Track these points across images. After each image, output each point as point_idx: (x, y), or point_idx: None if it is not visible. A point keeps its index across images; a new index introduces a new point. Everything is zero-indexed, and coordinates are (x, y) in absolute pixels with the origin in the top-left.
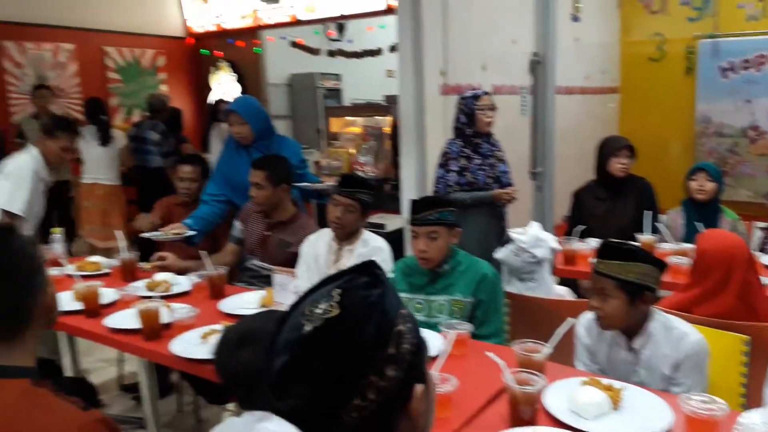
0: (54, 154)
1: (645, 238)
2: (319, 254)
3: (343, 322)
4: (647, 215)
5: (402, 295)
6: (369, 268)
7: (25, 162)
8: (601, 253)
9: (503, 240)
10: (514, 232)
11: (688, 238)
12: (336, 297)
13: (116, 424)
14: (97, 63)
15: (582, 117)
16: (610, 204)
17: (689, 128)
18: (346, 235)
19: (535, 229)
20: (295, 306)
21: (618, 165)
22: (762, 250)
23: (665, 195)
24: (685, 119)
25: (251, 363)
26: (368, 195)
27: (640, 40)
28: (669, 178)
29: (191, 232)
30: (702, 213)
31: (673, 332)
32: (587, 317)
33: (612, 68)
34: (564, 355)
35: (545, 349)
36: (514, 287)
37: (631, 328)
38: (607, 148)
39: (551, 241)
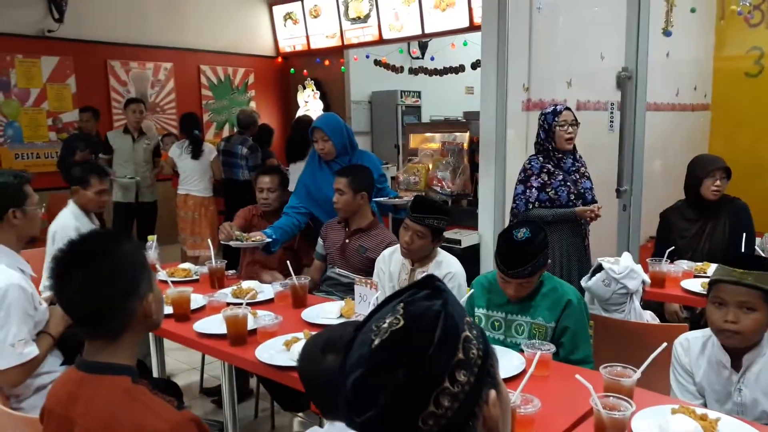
0: (92, 201)
1: None
2: (392, 272)
3: (409, 331)
4: (743, 238)
5: (480, 311)
6: (429, 281)
7: (68, 221)
8: (740, 263)
9: (585, 260)
10: (605, 261)
11: None
12: (400, 310)
13: (206, 426)
14: (193, 80)
15: (670, 134)
16: (702, 226)
17: None
18: (417, 258)
19: (627, 259)
20: (362, 325)
21: (712, 187)
22: None
23: (760, 216)
24: None
25: (334, 371)
26: (439, 220)
27: (737, 55)
28: (764, 198)
29: (267, 240)
30: None
31: None
32: (685, 336)
33: (704, 84)
34: (654, 381)
35: (635, 374)
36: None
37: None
38: (700, 170)
39: (643, 273)
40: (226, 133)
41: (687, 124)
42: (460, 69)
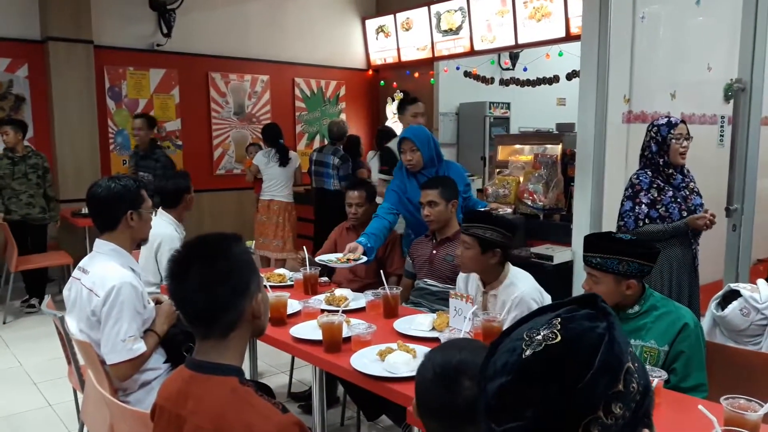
0: (189, 205)
1: None
2: (469, 292)
3: (567, 350)
4: None
5: None
6: (592, 300)
7: (169, 230)
8: None
9: (695, 280)
10: (743, 288)
11: None
12: (557, 325)
13: (309, 429)
14: (288, 92)
15: None
16: None
17: None
18: (485, 276)
19: (767, 287)
20: (508, 332)
21: None
22: None
23: None
24: None
25: (468, 399)
26: (485, 230)
27: None
28: None
29: (364, 258)
30: None
31: None
32: None
33: None
34: None
35: (762, 409)
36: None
37: None
38: None
39: None
40: (317, 143)
41: None
42: (554, 80)
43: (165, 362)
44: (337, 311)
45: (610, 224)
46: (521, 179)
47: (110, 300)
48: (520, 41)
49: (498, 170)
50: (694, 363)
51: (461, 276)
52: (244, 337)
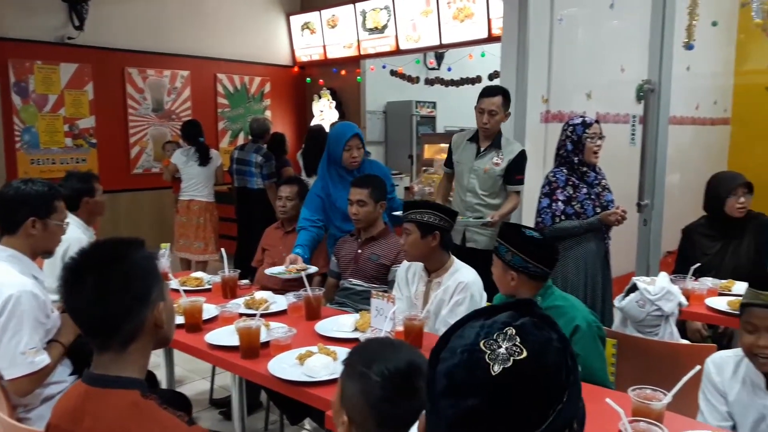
0: (99, 205)
1: None
2: (410, 282)
3: (537, 365)
4: None
5: None
6: (529, 306)
7: (78, 234)
8: (765, 285)
9: (607, 273)
10: (640, 281)
11: None
12: (515, 337)
13: None
14: (209, 89)
15: (691, 148)
16: (725, 243)
17: None
18: (429, 264)
19: (664, 280)
20: (447, 337)
21: (737, 205)
22: None
23: None
24: None
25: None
26: (424, 214)
27: (757, 69)
28: None
29: (313, 269)
30: None
31: None
32: (718, 355)
33: (724, 98)
34: (681, 405)
35: (665, 398)
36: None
37: None
38: (723, 187)
39: (680, 295)
40: (241, 141)
41: (706, 138)
42: (477, 80)
43: (71, 374)
44: (257, 315)
45: (529, 220)
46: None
47: (8, 310)
48: (444, 41)
49: (424, 168)
50: (589, 363)
51: (402, 266)
52: (146, 349)
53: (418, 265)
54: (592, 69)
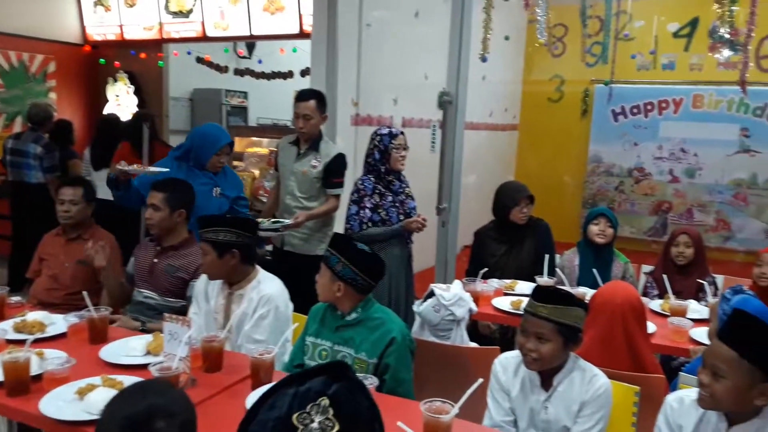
0: None
1: (543, 280)
2: (210, 296)
3: None
4: (546, 258)
5: (309, 339)
6: (342, 370)
7: None
8: (539, 297)
9: (411, 277)
10: (437, 288)
11: (583, 280)
12: (329, 410)
13: None
14: None
15: (484, 152)
16: (510, 246)
17: (581, 167)
18: (230, 279)
19: (457, 287)
20: (255, 410)
21: (519, 215)
22: (645, 294)
23: (557, 229)
24: (579, 158)
25: None
26: (219, 233)
27: (541, 80)
28: (561, 214)
29: (165, 169)
30: (597, 256)
31: (585, 372)
32: (504, 355)
33: (513, 106)
34: (475, 413)
35: (453, 410)
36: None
37: (555, 367)
38: (508, 198)
39: (471, 301)
40: (18, 127)
41: (498, 143)
42: (289, 75)
43: None
44: (27, 343)
45: (339, 225)
46: (257, 174)
47: None
48: (255, 32)
49: (234, 163)
50: (399, 375)
51: (201, 278)
52: None
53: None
54: (399, 75)
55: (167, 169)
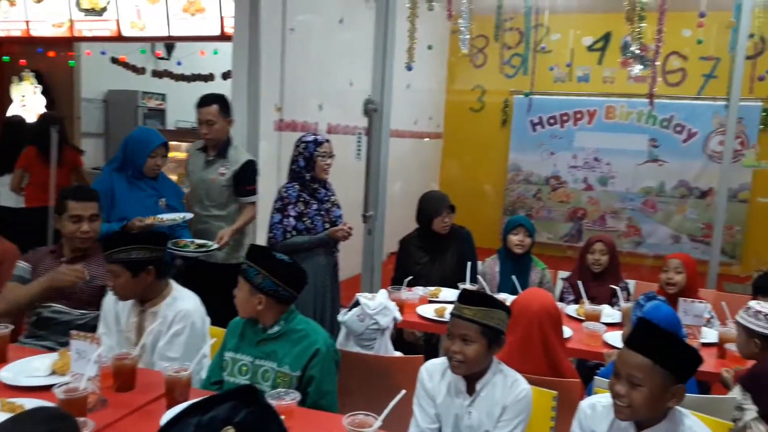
0: None
1: (466, 287)
2: (120, 313)
3: None
4: (468, 265)
5: (228, 354)
6: (251, 394)
7: None
8: (465, 300)
9: (336, 285)
10: (362, 297)
11: (503, 287)
12: None
13: None
14: None
15: (409, 160)
16: (433, 254)
17: (502, 175)
18: (144, 296)
19: (382, 296)
20: None
21: (441, 225)
22: (562, 299)
23: (480, 235)
24: (499, 167)
25: None
26: (131, 251)
27: (464, 90)
28: (483, 221)
29: (188, 215)
30: (516, 263)
31: (507, 378)
32: (431, 362)
33: (437, 115)
34: (400, 424)
35: (376, 422)
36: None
37: (479, 372)
38: (430, 208)
39: (395, 310)
40: None
41: (423, 151)
42: (210, 77)
43: None
44: None
45: (261, 234)
46: (175, 180)
47: None
48: (173, 33)
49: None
50: (324, 386)
51: (110, 295)
52: None
53: None
54: (324, 81)
55: (189, 215)
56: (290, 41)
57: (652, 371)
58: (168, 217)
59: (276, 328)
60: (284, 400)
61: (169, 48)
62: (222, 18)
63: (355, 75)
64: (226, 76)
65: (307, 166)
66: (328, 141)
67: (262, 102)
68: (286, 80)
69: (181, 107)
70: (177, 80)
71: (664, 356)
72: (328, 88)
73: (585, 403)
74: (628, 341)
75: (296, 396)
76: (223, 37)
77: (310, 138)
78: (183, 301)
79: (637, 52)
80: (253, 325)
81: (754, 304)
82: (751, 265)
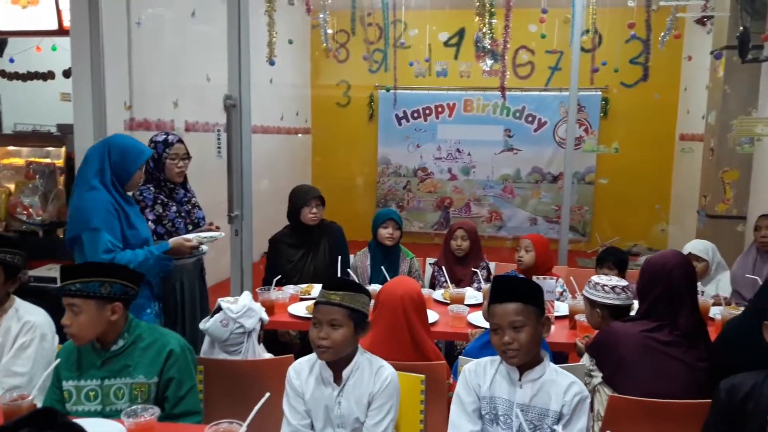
0: None
1: None
2: None
3: None
4: (339, 260)
5: (69, 384)
6: (45, 417)
7: None
8: (330, 286)
9: (205, 289)
10: (224, 301)
11: (375, 278)
12: None
13: None
14: None
15: (278, 156)
16: (305, 250)
17: (373, 169)
18: None
19: (246, 298)
20: None
21: (310, 215)
22: (433, 283)
23: (353, 229)
24: (369, 161)
25: None
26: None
27: (329, 85)
28: (357, 214)
29: (219, 234)
30: (386, 255)
31: (372, 365)
32: (299, 361)
33: (304, 110)
34: (271, 425)
35: (240, 429)
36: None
37: (344, 358)
38: (298, 200)
39: (262, 311)
40: None
41: (292, 146)
42: (50, 76)
43: None
44: None
45: None
46: (13, 189)
47: None
48: (2, 28)
49: None
50: (184, 387)
51: None
52: None
53: None
54: (179, 76)
55: (221, 234)
56: (137, 35)
57: (526, 311)
58: (210, 234)
59: (120, 342)
60: (142, 417)
61: (0, 44)
62: (59, 11)
63: (212, 70)
64: (67, 73)
65: (158, 167)
66: (180, 141)
67: (108, 100)
68: (135, 76)
69: (19, 108)
70: (11, 79)
71: (527, 296)
72: (184, 84)
73: (468, 366)
74: (495, 298)
75: (155, 411)
76: (62, 32)
77: (161, 138)
78: (29, 312)
79: (488, 46)
80: (91, 349)
81: (595, 278)
82: (597, 241)
